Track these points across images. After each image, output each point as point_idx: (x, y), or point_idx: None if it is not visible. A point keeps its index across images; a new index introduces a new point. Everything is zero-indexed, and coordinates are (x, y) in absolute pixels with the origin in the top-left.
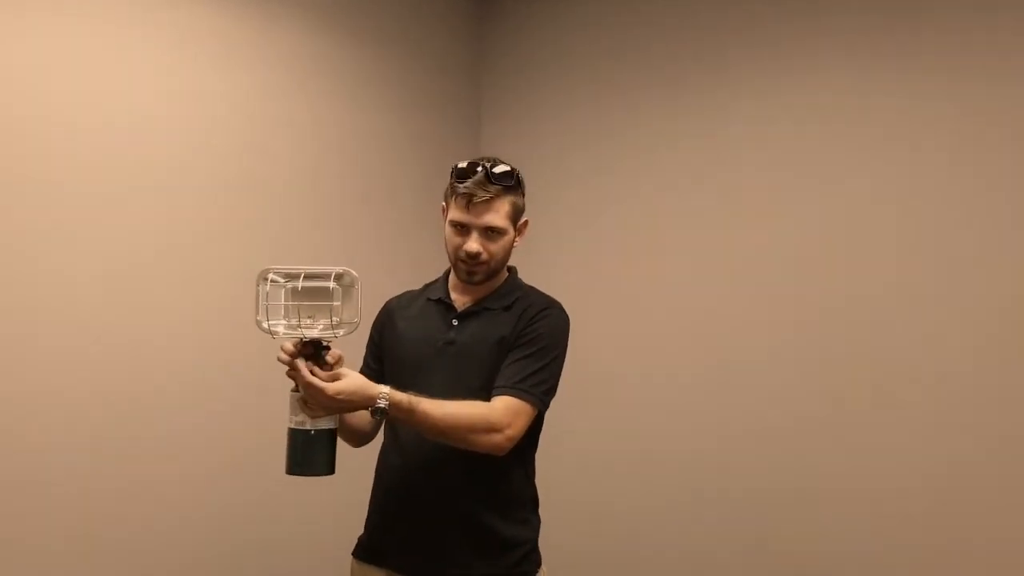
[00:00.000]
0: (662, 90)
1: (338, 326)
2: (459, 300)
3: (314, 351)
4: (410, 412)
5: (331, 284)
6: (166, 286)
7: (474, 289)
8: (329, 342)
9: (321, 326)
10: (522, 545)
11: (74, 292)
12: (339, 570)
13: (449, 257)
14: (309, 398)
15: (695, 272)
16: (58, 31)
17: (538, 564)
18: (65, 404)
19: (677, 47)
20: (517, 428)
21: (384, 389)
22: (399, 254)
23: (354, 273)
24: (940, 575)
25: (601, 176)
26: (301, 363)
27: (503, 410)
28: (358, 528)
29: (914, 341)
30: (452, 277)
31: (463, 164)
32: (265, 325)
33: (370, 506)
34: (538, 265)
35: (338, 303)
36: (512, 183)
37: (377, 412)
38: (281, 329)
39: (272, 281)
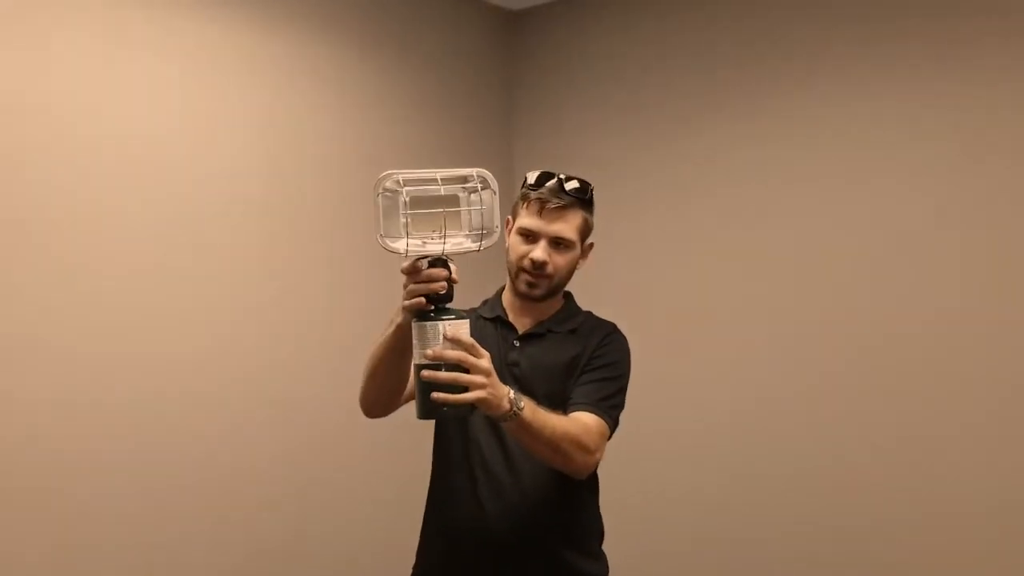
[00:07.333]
0: (694, 103)
1: (486, 235)
2: (518, 321)
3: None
4: (533, 414)
5: (475, 184)
6: (189, 297)
7: (533, 310)
8: (452, 259)
9: (458, 238)
10: None
11: (94, 304)
12: None
13: (510, 269)
14: (465, 360)
15: (725, 276)
16: (74, 51)
17: None
18: (81, 413)
19: (708, 62)
20: (602, 451)
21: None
22: None
23: (488, 174)
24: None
25: (632, 189)
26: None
27: (595, 430)
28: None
29: (937, 338)
30: (508, 296)
31: (536, 172)
32: (391, 244)
33: (425, 546)
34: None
35: (477, 208)
36: (586, 197)
37: (509, 417)
38: (403, 246)
39: (390, 191)
